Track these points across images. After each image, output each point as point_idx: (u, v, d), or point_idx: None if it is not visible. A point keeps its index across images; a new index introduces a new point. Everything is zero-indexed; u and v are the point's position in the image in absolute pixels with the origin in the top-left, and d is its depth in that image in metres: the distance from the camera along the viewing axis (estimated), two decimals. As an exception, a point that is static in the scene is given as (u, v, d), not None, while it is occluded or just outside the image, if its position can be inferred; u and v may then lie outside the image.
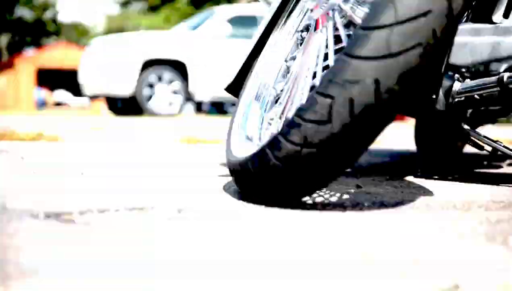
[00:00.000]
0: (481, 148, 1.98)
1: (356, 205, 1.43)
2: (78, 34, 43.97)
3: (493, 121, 2.01)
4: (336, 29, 1.46)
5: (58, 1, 43.87)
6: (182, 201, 1.42)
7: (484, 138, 1.93)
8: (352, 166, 1.35)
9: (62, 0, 44.58)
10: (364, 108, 1.18)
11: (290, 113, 1.56)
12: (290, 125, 1.25)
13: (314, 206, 1.39)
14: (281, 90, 1.69)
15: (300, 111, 1.24)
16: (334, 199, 1.51)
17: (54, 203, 1.32)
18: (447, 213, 1.35)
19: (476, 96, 1.82)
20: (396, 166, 2.47)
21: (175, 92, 11.55)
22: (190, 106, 16.16)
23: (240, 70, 1.78)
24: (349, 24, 1.46)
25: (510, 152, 1.89)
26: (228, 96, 11.81)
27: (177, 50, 11.39)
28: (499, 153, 1.92)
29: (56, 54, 34.02)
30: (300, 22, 1.75)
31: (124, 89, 11.25)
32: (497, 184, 1.90)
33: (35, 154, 2.59)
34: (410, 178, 2.04)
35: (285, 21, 1.77)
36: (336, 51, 1.57)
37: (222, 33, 11.51)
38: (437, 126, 2.15)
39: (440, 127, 2.14)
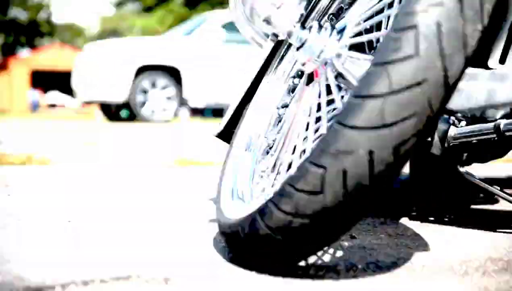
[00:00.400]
0: (477, 190, 1.94)
1: (350, 268, 1.38)
2: (72, 35, 43.80)
3: (487, 161, 1.97)
4: (328, 84, 1.42)
5: (52, 1, 43.67)
6: (170, 265, 1.37)
7: (481, 182, 1.88)
8: (346, 233, 1.30)
9: (56, 1, 44.39)
10: (358, 180, 1.14)
11: (282, 168, 1.52)
12: (281, 194, 1.21)
13: (307, 270, 1.34)
14: (273, 140, 1.64)
15: (291, 180, 1.19)
16: (327, 258, 1.46)
17: (35, 274, 1.27)
18: (444, 279, 1.31)
19: (472, 141, 1.78)
20: (391, 197, 2.41)
21: (169, 98, 11.51)
22: (185, 110, 16.11)
23: (231, 116, 1.73)
24: (342, 79, 1.41)
25: (508, 197, 1.85)
26: (223, 101, 11.76)
27: (171, 56, 11.36)
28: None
29: (50, 56, 33.91)
30: (292, 67, 1.70)
31: (118, 96, 11.21)
32: (495, 230, 1.86)
33: (22, 189, 2.53)
34: (405, 220, 2.00)
35: (277, 66, 1.72)
36: (329, 102, 1.53)
37: (216, 39, 11.47)
38: (432, 166, 2.11)
39: (434, 167, 2.10)
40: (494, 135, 1.67)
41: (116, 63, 11.22)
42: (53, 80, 34.84)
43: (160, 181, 2.95)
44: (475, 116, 1.74)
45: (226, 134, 1.74)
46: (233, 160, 1.64)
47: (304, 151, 1.48)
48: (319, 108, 1.50)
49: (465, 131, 1.73)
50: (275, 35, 1.58)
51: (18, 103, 31.86)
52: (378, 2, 1.41)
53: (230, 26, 11.67)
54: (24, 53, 35.38)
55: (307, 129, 1.51)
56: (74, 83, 12.22)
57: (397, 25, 1.12)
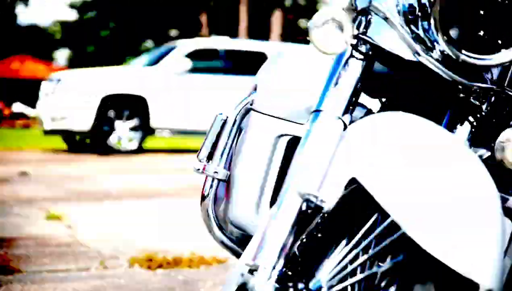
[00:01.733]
0: None
1: None
2: (36, 41, 43.11)
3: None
4: None
5: (17, 5, 42.99)
6: None
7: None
8: None
9: (21, 5, 43.74)
10: None
11: None
12: None
13: None
14: None
15: None
16: None
17: None
18: None
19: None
20: None
21: (134, 128, 11.45)
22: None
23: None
24: None
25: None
26: (188, 128, 11.58)
27: (137, 85, 11.30)
28: None
29: (12, 65, 33.45)
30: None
31: (82, 125, 11.14)
32: None
33: None
34: None
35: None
36: None
37: (182, 68, 11.43)
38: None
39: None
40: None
41: (81, 92, 11.16)
42: (15, 90, 34.31)
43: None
44: None
45: None
46: None
47: None
48: None
49: None
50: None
51: (-21, 114, 31.32)
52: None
53: (196, 55, 11.67)
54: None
55: None
56: (40, 111, 12.15)
57: None
